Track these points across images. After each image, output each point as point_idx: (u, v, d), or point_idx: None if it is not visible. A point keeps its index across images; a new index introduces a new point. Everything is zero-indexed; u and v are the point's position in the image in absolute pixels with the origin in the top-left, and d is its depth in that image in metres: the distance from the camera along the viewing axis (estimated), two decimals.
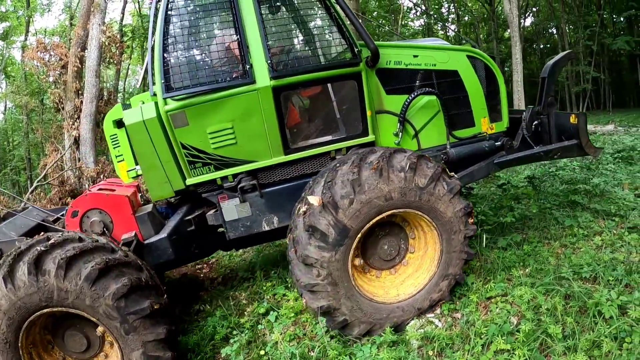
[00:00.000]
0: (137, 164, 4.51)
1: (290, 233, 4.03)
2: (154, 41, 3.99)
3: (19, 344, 3.48)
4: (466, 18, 38.85)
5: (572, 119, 4.96)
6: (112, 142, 4.61)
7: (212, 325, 4.66)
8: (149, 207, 4.68)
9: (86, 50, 12.21)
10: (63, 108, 12.53)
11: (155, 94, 4.04)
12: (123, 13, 24.05)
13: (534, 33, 36.60)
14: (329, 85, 4.34)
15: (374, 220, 3.77)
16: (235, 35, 4.00)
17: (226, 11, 4.08)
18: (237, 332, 4.38)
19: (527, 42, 35.04)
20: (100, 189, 4.72)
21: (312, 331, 4.26)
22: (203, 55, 4.23)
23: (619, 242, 5.02)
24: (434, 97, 4.56)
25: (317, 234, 3.64)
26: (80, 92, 12.26)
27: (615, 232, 5.35)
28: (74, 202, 4.51)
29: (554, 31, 34.61)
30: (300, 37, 4.48)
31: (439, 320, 4.05)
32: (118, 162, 4.62)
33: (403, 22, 29.55)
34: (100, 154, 13.05)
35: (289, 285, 5.15)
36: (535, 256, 4.97)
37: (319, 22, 4.30)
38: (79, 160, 12.01)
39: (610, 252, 4.77)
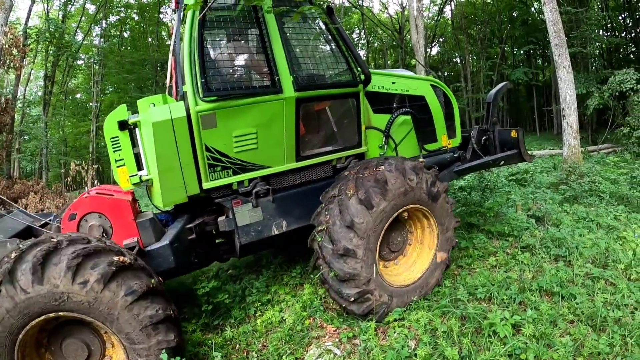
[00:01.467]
0: (140, 169, 4.35)
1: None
2: (185, 44, 4.03)
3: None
4: (376, 44, 40.44)
5: (513, 134, 6.07)
6: (113, 145, 4.32)
7: None
8: (149, 214, 4.50)
9: None
10: None
11: (184, 95, 4.03)
12: (29, 14, 22.25)
13: (439, 62, 38.87)
14: (335, 101, 4.87)
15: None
16: (264, 48, 4.26)
17: (254, 26, 4.34)
18: None
19: (433, 70, 37.10)
20: (98, 193, 4.38)
21: None
22: (238, 62, 4.54)
23: (512, 261, 5.26)
24: (408, 117, 5.42)
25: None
26: None
27: (509, 251, 5.61)
28: (72, 205, 4.21)
29: (458, 61, 36.91)
30: (315, 58, 4.90)
31: (338, 348, 3.93)
32: (118, 167, 4.33)
33: None
34: None
35: (186, 316, 4.84)
36: None
37: (327, 47, 4.89)
38: None
39: (504, 272, 4.97)
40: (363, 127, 4.92)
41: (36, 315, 3.02)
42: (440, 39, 39.63)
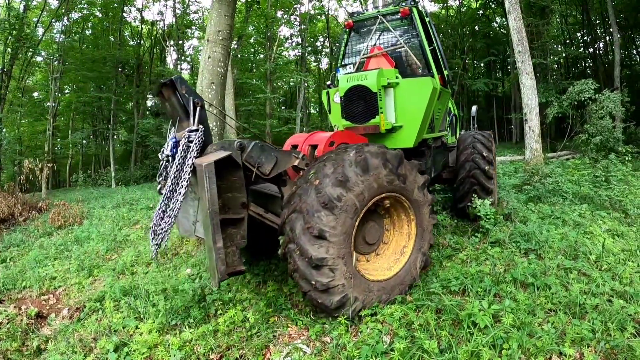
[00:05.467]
0: (387, 118, 5.75)
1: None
2: (427, 44, 6.04)
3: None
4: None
5: None
6: (379, 95, 5.61)
7: None
8: None
9: None
10: None
11: (432, 76, 5.80)
12: None
13: None
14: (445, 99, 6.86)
15: None
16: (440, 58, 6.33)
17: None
18: None
19: None
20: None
21: None
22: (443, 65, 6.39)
23: (483, 255, 5.18)
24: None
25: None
26: None
27: (478, 247, 5.52)
28: (333, 135, 5.22)
29: None
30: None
31: (308, 346, 3.66)
32: (379, 113, 5.62)
33: (278, 51, 30.04)
34: None
35: (141, 316, 4.48)
36: None
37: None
38: None
39: (476, 265, 4.87)
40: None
41: (376, 194, 4.06)
42: None
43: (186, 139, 3.84)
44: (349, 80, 5.79)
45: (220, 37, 7.73)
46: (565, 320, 3.54)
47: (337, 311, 3.84)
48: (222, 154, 3.66)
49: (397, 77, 5.75)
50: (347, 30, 6.97)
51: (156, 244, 3.74)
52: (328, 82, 6.88)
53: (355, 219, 3.88)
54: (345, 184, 3.76)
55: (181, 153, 3.80)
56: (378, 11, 6.61)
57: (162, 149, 4.21)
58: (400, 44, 6.30)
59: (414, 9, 6.13)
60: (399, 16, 6.32)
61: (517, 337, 3.27)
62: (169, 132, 4.26)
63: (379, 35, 6.66)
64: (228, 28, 7.89)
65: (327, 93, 6.54)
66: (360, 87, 5.66)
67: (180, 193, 3.69)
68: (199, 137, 3.88)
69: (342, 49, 7.03)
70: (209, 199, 3.41)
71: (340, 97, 5.92)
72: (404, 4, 6.38)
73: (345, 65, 6.75)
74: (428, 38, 6.10)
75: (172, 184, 3.75)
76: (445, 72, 6.30)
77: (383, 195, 4.13)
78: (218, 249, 3.46)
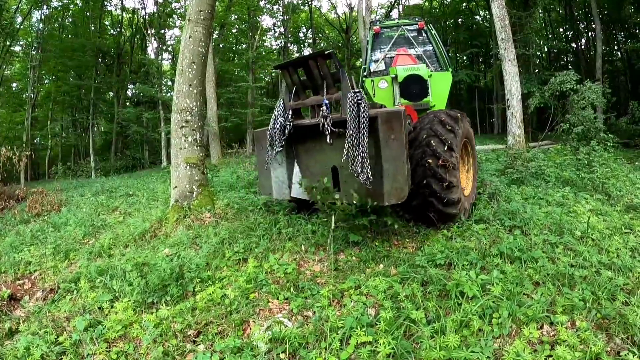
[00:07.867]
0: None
1: None
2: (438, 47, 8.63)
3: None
4: (322, 44, 40.61)
5: None
6: (429, 82, 7.68)
7: (25, 345, 3.65)
8: None
9: None
10: None
11: (447, 70, 8.29)
12: None
13: None
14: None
15: None
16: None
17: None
18: (53, 352, 3.47)
19: None
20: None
21: (147, 347, 3.47)
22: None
23: (467, 232, 5.12)
24: None
25: None
26: None
27: (462, 224, 5.44)
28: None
29: None
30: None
31: (289, 320, 3.54)
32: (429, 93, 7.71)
33: (260, 40, 29.75)
34: None
35: (118, 294, 4.30)
36: (385, 249, 4.88)
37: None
38: None
39: (461, 240, 4.80)
40: None
41: (463, 138, 5.78)
42: None
43: (355, 99, 4.46)
44: (405, 70, 7.65)
45: (202, 17, 7.56)
46: (555, 291, 3.48)
47: (457, 216, 5.34)
48: (398, 107, 5.24)
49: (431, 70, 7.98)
50: (375, 34, 9.04)
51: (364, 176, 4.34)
52: (364, 73, 8.81)
53: (460, 152, 5.60)
54: (454, 131, 5.34)
55: (352, 109, 4.43)
56: (398, 22, 9.25)
57: (274, 120, 5.14)
58: (422, 48, 8.69)
59: (427, 24, 8.77)
60: (415, 27, 8.84)
61: (507, 306, 3.20)
62: (283, 101, 5.24)
63: (397, 40, 8.86)
64: (209, 8, 7.71)
65: (372, 81, 8.20)
66: (415, 75, 7.57)
67: (364, 139, 4.34)
68: (364, 96, 4.52)
69: (370, 48, 9.01)
70: (405, 133, 4.50)
71: (399, 83, 7.61)
72: (417, 19, 9.11)
73: (376, 61, 8.84)
74: (436, 44, 8.60)
75: (353, 136, 4.39)
76: (450, 70, 8.30)
77: (465, 139, 5.92)
78: (409, 169, 4.64)
